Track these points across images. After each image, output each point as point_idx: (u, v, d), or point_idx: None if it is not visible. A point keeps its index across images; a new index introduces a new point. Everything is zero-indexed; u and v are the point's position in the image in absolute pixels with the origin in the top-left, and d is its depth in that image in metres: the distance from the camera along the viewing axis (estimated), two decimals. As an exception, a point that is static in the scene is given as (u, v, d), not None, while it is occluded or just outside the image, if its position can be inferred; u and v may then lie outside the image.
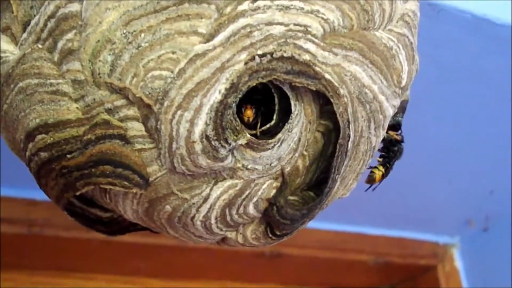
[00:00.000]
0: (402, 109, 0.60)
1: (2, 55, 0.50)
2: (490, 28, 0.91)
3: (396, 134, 0.64)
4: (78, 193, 0.50)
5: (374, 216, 1.55)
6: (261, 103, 0.50)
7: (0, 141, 0.90)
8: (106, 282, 1.46)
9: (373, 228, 1.61)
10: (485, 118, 1.20)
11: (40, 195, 1.22)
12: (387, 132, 0.61)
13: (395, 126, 0.63)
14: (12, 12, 0.49)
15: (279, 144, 0.50)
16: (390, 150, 0.66)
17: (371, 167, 0.65)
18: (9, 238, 1.23)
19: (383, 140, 0.62)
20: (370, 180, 0.66)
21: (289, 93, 0.49)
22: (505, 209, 1.56)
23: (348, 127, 0.50)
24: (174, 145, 0.46)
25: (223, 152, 0.47)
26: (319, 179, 0.55)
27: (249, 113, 0.49)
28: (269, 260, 1.51)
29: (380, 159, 0.66)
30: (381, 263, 1.64)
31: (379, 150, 0.65)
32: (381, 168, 0.66)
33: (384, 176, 0.66)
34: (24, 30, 0.49)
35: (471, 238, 1.71)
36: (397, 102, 0.56)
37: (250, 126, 0.50)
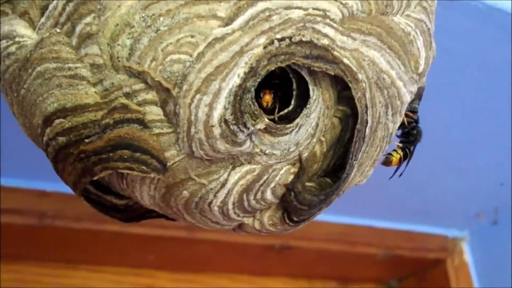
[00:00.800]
0: (418, 96, 0.61)
1: (20, 39, 0.50)
2: (502, 18, 0.91)
3: (412, 113, 0.63)
4: (95, 178, 0.49)
5: (383, 209, 1.55)
6: (279, 88, 0.50)
7: (6, 133, 0.90)
8: (114, 274, 1.47)
9: (382, 221, 1.62)
10: (496, 109, 1.20)
11: (51, 186, 1.23)
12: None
13: (411, 113, 0.62)
14: None
15: (297, 129, 0.50)
16: (410, 134, 0.65)
17: (388, 153, 0.65)
18: (20, 229, 1.23)
19: (402, 126, 0.62)
20: (386, 162, 0.65)
21: (307, 78, 0.49)
22: (514, 202, 1.56)
23: (366, 113, 0.50)
24: (192, 129, 0.46)
25: (241, 136, 0.47)
26: (336, 165, 0.55)
27: (268, 98, 0.49)
28: (278, 253, 1.52)
29: (400, 144, 0.66)
30: (390, 256, 1.64)
31: (398, 136, 0.64)
32: (399, 151, 0.65)
33: (405, 160, 0.66)
34: (42, 15, 0.49)
35: (481, 231, 1.72)
36: (414, 88, 0.56)
37: (268, 111, 0.49)
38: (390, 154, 0.65)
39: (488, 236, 1.69)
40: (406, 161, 0.66)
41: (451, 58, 1.00)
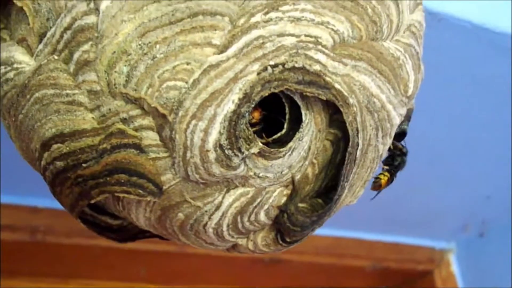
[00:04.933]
0: (407, 117, 0.62)
1: (18, 66, 0.51)
2: (488, 36, 0.93)
3: (402, 146, 0.65)
4: (93, 201, 0.50)
5: (371, 222, 1.56)
6: (272, 111, 0.51)
7: (1, 149, 0.91)
8: (106, 288, 1.48)
9: (370, 233, 1.63)
10: (483, 123, 1.22)
11: (42, 202, 1.24)
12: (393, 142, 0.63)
13: (400, 134, 0.64)
14: (28, 24, 0.50)
15: (290, 152, 0.51)
16: (395, 159, 0.67)
17: (375, 176, 0.66)
18: (12, 245, 1.24)
19: (389, 149, 0.63)
20: (376, 186, 0.66)
21: (299, 103, 0.50)
22: (501, 214, 1.58)
23: (357, 136, 0.51)
24: (188, 154, 0.47)
25: (236, 160, 0.48)
26: (327, 186, 0.56)
27: (255, 115, 0.50)
28: (267, 265, 1.53)
29: (386, 167, 0.67)
30: (379, 268, 1.65)
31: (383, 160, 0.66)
32: (386, 173, 0.66)
33: (388, 183, 0.67)
34: (40, 42, 0.50)
35: (467, 243, 1.73)
36: (403, 111, 0.57)
37: (257, 133, 0.50)
38: (378, 177, 0.66)
39: (475, 248, 1.71)
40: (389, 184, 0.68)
41: (439, 74, 1.01)
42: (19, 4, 0.50)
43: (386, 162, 0.67)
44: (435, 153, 1.31)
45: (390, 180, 0.67)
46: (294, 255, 1.52)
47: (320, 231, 1.53)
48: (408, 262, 1.69)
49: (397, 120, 0.57)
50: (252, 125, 0.50)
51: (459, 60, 0.99)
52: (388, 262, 1.66)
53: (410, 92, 0.57)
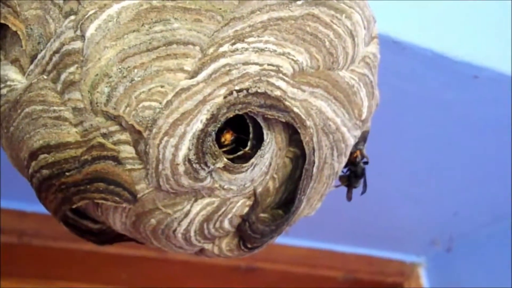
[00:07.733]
0: (363, 138, 0.67)
1: (11, 83, 0.55)
2: (449, 64, 0.97)
3: (360, 152, 0.69)
4: (74, 206, 0.55)
5: (344, 234, 1.59)
6: (238, 131, 0.56)
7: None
8: (89, 290, 1.50)
9: (343, 245, 1.66)
10: (448, 143, 1.27)
11: (30, 207, 1.27)
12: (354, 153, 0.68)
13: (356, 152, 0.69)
14: (21, 46, 0.55)
15: (252, 168, 0.55)
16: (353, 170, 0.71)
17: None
18: (0, 247, 1.27)
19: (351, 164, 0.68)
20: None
21: (262, 124, 0.55)
22: (467, 231, 1.62)
23: (314, 154, 0.57)
24: (160, 167, 0.52)
25: (203, 173, 0.53)
26: (287, 199, 0.61)
27: (227, 137, 0.54)
28: (244, 273, 1.55)
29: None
30: (350, 280, 1.68)
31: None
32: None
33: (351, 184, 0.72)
34: (31, 63, 0.55)
35: (436, 257, 1.76)
36: (358, 133, 0.63)
37: (227, 151, 0.55)
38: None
39: (443, 262, 1.74)
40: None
41: (404, 98, 1.06)
42: (13, 28, 0.55)
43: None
44: (405, 172, 1.35)
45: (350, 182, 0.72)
46: (270, 264, 1.55)
47: (295, 242, 1.58)
48: (379, 274, 1.72)
49: (351, 141, 0.62)
50: (225, 145, 0.54)
51: (421, 85, 1.04)
52: (360, 274, 1.69)
53: (363, 116, 0.62)
